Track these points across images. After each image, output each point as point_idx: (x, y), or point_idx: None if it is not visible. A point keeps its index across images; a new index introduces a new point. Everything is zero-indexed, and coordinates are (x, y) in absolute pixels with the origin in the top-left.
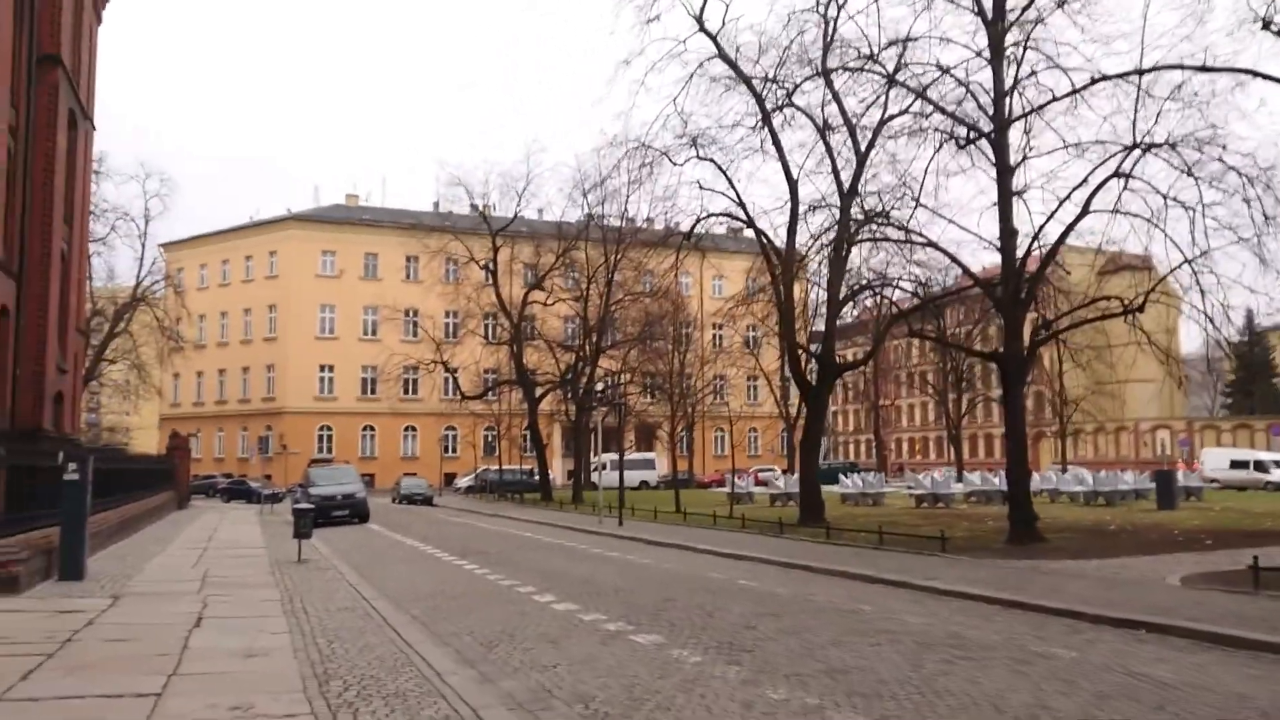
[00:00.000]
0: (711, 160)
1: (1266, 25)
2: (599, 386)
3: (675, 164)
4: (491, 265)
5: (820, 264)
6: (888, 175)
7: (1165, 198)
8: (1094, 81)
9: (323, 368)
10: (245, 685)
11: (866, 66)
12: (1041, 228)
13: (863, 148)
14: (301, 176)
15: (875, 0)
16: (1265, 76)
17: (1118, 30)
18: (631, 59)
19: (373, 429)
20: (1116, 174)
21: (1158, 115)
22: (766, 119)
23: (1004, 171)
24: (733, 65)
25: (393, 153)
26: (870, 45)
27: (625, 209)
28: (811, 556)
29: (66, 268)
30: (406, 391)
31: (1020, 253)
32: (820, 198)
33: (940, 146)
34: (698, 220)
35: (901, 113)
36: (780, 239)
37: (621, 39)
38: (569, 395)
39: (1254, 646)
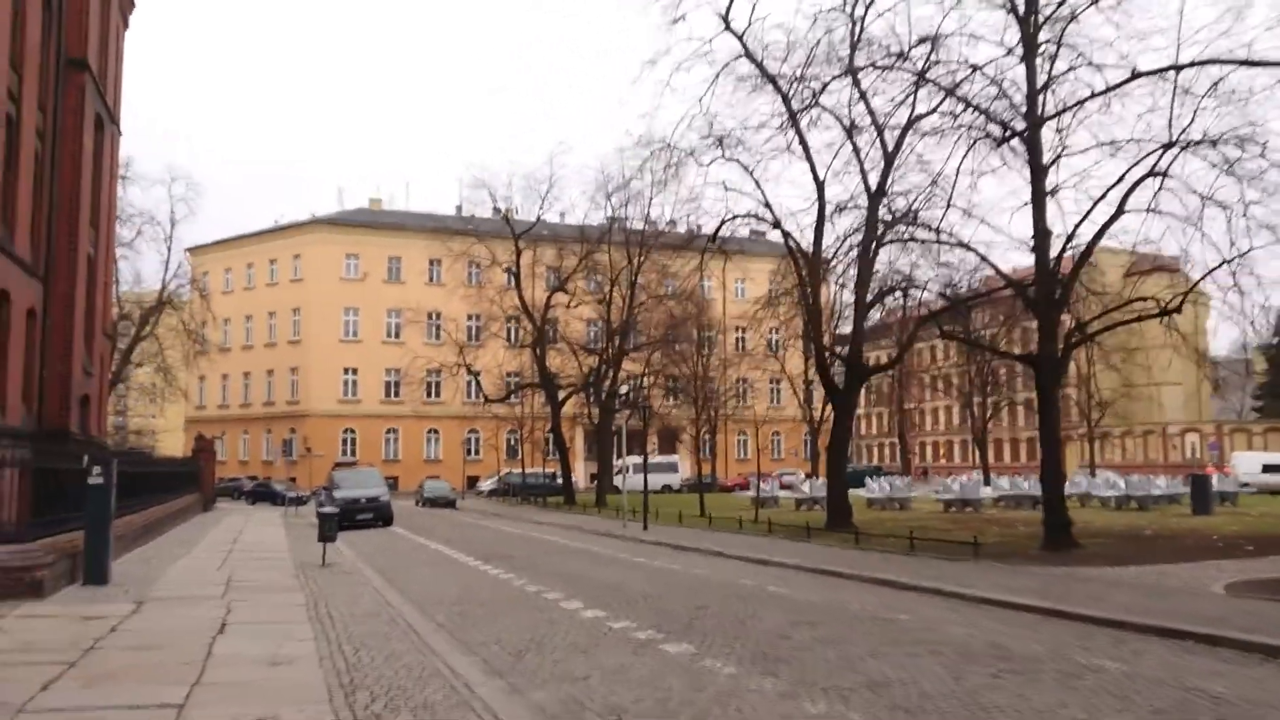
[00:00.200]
0: (737, 161)
1: None
2: (622, 389)
3: (701, 165)
4: (514, 268)
5: (849, 266)
6: (915, 175)
7: (1203, 197)
8: (1133, 77)
9: (346, 370)
10: (270, 696)
11: (896, 64)
12: (1077, 227)
13: (890, 148)
14: (325, 180)
15: None
16: None
17: (1153, 26)
18: (657, 59)
19: (396, 432)
20: (1152, 173)
21: (1194, 113)
22: (793, 119)
23: (1037, 170)
24: (759, 65)
25: (416, 157)
26: (900, 43)
27: (648, 211)
28: (842, 562)
29: (93, 271)
30: (429, 394)
31: (1054, 253)
32: (847, 199)
33: (973, 145)
34: (723, 222)
35: (930, 112)
36: (806, 240)
37: (647, 39)
38: (592, 398)
39: None
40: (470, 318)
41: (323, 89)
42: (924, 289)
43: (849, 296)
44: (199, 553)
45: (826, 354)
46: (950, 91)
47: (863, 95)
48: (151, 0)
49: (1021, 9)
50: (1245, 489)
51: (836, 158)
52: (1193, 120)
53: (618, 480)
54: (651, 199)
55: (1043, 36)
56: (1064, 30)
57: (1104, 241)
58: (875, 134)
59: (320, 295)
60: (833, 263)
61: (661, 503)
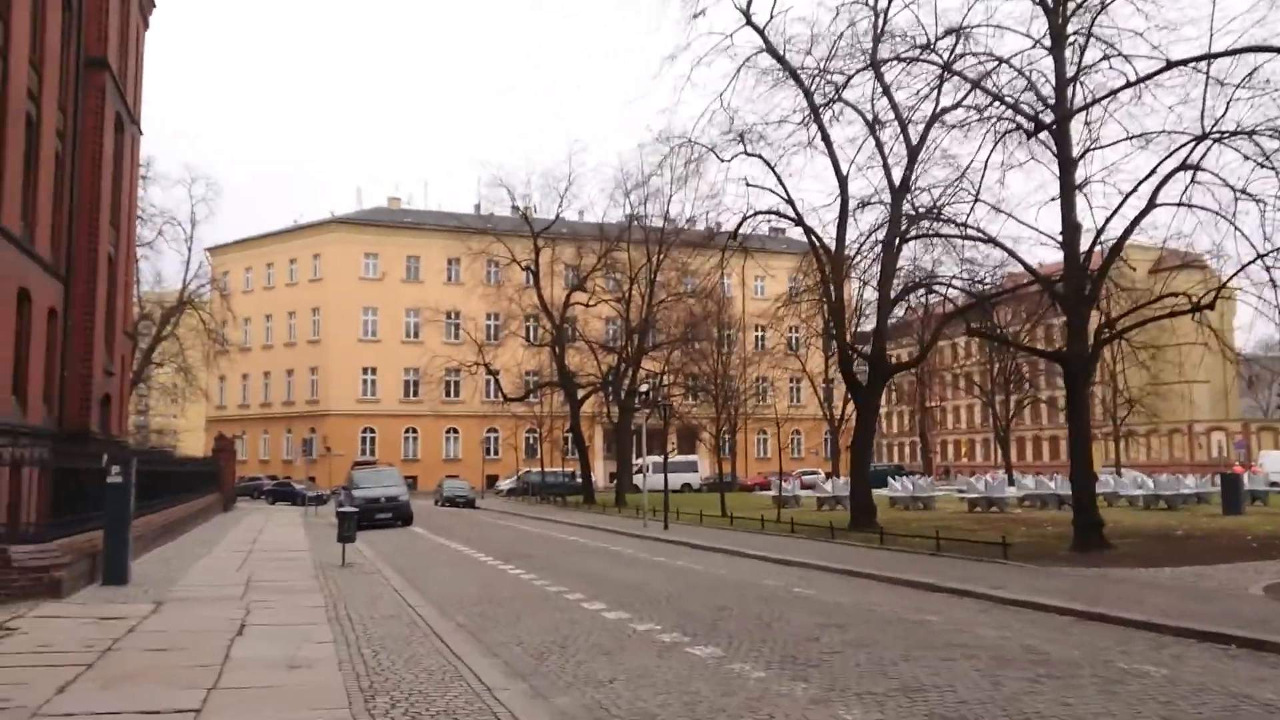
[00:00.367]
0: (759, 156)
1: None
2: (643, 388)
3: (722, 160)
4: (533, 266)
5: (873, 262)
6: (940, 170)
7: (1235, 191)
8: (1167, 67)
9: (365, 370)
10: (288, 701)
11: (921, 56)
12: (1108, 221)
13: (914, 142)
14: (344, 180)
15: None
16: None
17: (1184, 16)
18: (677, 54)
19: (415, 431)
20: (1184, 166)
21: (1228, 104)
22: (815, 114)
23: (1066, 164)
24: (781, 59)
25: (434, 156)
26: (926, 34)
27: (667, 209)
28: (867, 563)
29: (113, 270)
30: (448, 394)
31: (1083, 248)
32: (870, 194)
33: (1000, 138)
34: (744, 218)
35: (955, 105)
36: (828, 237)
37: (667, 34)
38: (611, 397)
39: None
40: (489, 317)
41: (340, 89)
42: (949, 285)
43: (871, 294)
44: (219, 553)
45: (849, 351)
46: (976, 84)
47: (886, 89)
48: (171, 0)
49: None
50: (1274, 488)
51: (859, 153)
52: (1226, 111)
53: (637, 479)
54: (671, 196)
55: (1071, 27)
56: (1094, 21)
57: (1132, 237)
58: (899, 128)
59: (339, 295)
60: (856, 259)
61: (681, 502)
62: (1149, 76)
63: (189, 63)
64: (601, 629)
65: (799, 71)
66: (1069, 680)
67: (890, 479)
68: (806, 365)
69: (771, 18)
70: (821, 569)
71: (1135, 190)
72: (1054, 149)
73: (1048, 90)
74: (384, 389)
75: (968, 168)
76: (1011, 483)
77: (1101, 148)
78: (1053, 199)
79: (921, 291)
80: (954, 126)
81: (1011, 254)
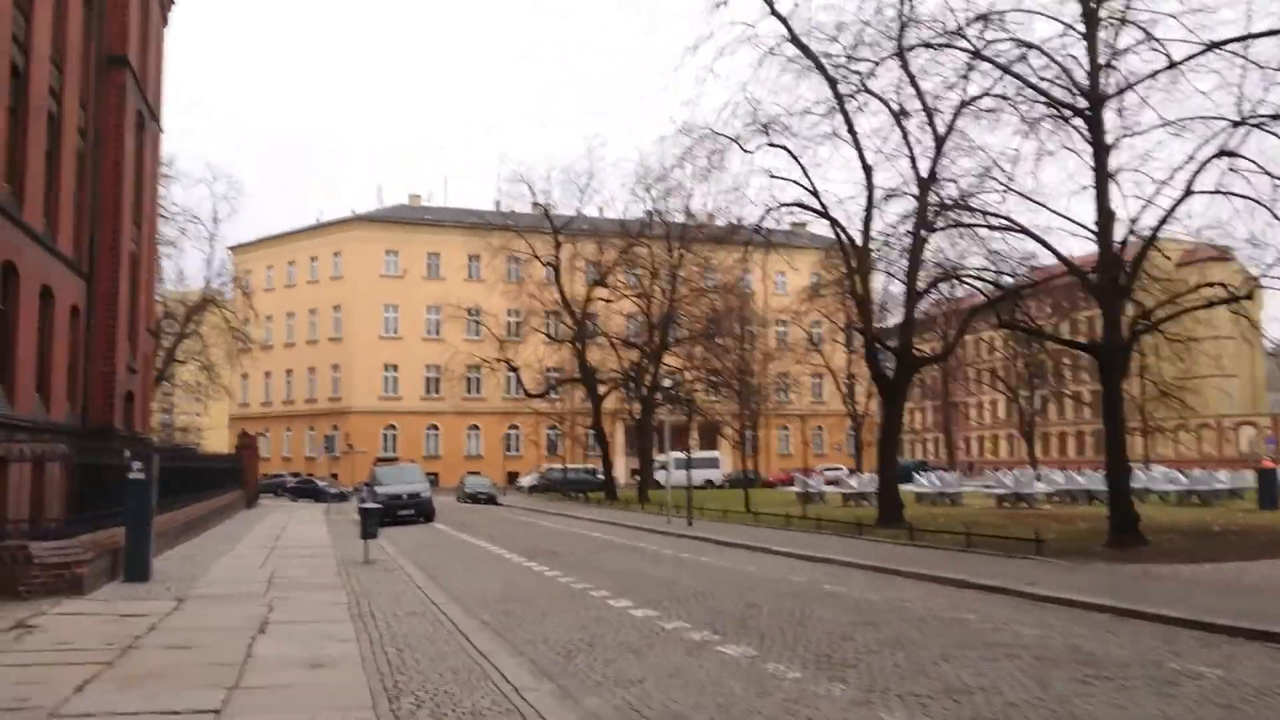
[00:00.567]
0: (784, 148)
1: None
2: (665, 383)
3: (746, 151)
4: (554, 262)
5: (900, 254)
6: (967, 160)
7: (1275, 178)
8: (1209, 48)
9: (387, 367)
10: (310, 701)
11: (951, 41)
12: (1144, 209)
13: (941, 132)
14: (365, 178)
15: None
16: None
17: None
18: (700, 44)
19: (437, 428)
20: (1221, 152)
21: (1267, 88)
22: (840, 104)
23: (1100, 151)
24: (805, 49)
25: (455, 153)
26: (956, 19)
27: (688, 203)
28: (897, 559)
29: (136, 268)
30: (470, 391)
31: (1118, 237)
32: (896, 185)
33: (1033, 126)
34: (768, 211)
35: (984, 94)
36: (853, 229)
37: (689, 25)
38: (632, 393)
39: None
40: (510, 313)
41: (361, 87)
42: (978, 277)
43: (897, 287)
44: (241, 549)
45: (876, 345)
46: (1006, 69)
47: (912, 78)
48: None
49: None
50: None
51: (885, 143)
52: (1265, 95)
53: (659, 476)
54: (692, 190)
55: (1104, 11)
56: (1128, 3)
57: (1164, 227)
58: (925, 118)
59: (361, 292)
60: (882, 251)
61: (704, 498)
62: (1188, 59)
63: (208, 61)
64: (630, 627)
65: (823, 60)
66: (1120, 682)
67: (916, 474)
68: (829, 360)
69: (796, 6)
70: (851, 565)
71: (1171, 178)
72: (1088, 136)
73: (1080, 76)
74: (405, 386)
75: (999, 155)
76: (1039, 478)
77: (1135, 134)
78: (1085, 188)
79: (952, 283)
80: (990, 111)
81: (1045, 244)
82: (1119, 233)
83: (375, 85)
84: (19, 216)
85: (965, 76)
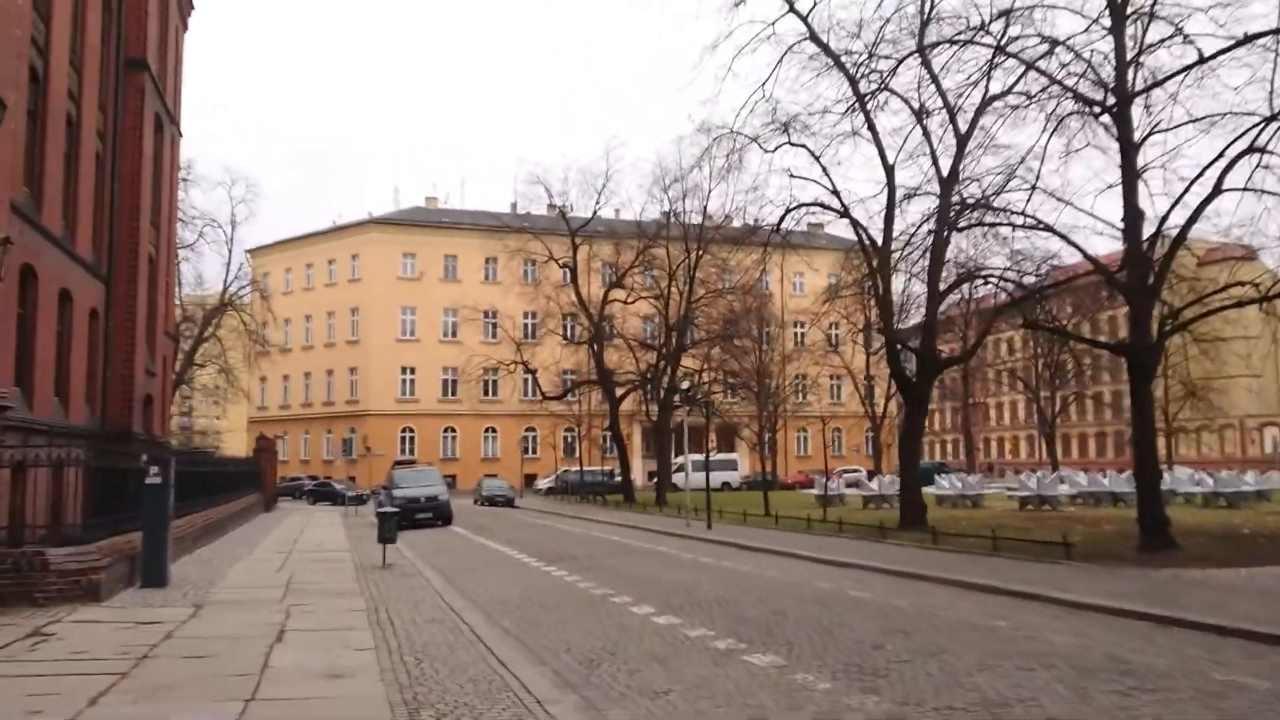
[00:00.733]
0: (804, 147)
1: None
2: (684, 385)
3: (766, 151)
4: (571, 264)
5: (923, 254)
6: (989, 159)
7: None
8: (1242, 42)
9: (404, 370)
10: (328, 715)
11: (975, 37)
12: (1173, 206)
13: (963, 131)
14: (382, 180)
15: None
16: None
17: None
18: (719, 43)
19: (454, 430)
20: (1252, 149)
21: None
22: (861, 102)
23: (1128, 148)
24: (825, 47)
25: (471, 155)
26: (980, 15)
27: (706, 203)
28: (922, 564)
29: (154, 272)
30: (487, 393)
31: (1146, 235)
32: (917, 185)
33: (1059, 124)
34: (787, 210)
35: (1006, 91)
36: (874, 229)
37: (708, 23)
38: (650, 395)
39: None
40: (527, 315)
41: (377, 89)
42: (1001, 277)
43: (918, 287)
44: (259, 554)
45: (898, 346)
46: (1031, 65)
47: (934, 76)
48: (206, 4)
49: None
50: None
51: (906, 141)
52: None
53: (677, 478)
54: (710, 191)
55: (1131, 6)
56: None
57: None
58: (947, 117)
59: (378, 295)
60: (905, 251)
61: (722, 501)
62: (1221, 52)
63: (225, 65)
64: (653, 634)
65: (843, 59)
66: (1164, 694)
67: (936, 476)
68: (848, 362)
69: (815, 4)
70: (875, 570)
71: (1201, 175)
72: (1115, 133)
73: (1106, 72)
74: (423, 388)
75: (1027, 154)
76: (1061, 480)
77: (1164, 131)
78: (1110, 186)
79: (976, 283)
80: (1016, 107)
81: (1073, 244)
82: (1146, 231)
83: (391, 87)
84: (38, 220)
85: (988, 74)
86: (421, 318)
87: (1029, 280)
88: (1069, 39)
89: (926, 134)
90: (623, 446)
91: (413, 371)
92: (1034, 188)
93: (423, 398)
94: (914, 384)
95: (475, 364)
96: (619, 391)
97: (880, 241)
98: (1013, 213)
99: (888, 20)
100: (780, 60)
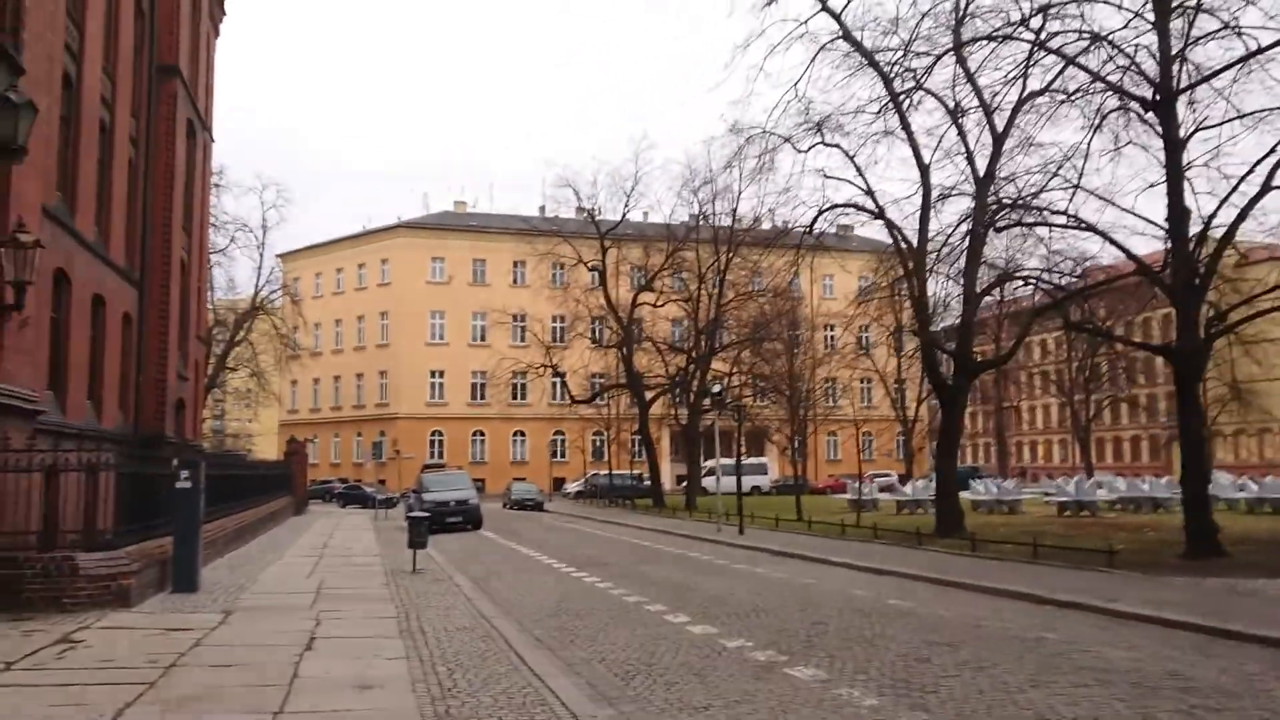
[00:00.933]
0: (838, 147)
1: None
2: (715, 389)
3: (799, 151)
4: (599, 267)
5: (959, 256)
6: (1026, 159)
7: None
8: None
9: (433, 373)
10: None
11: (1013, 33)
12: (1222, 204)
13: (999, 130)
14: (411, 185)
15: None
16: None
17: None
18: (750, 41)
19: (482, 434)
20: None
21: None
22: (895, 102)
23: (1173, 145)
24: (858, 46)
25: (500, 159)
26: (1020, 10)
27: (736, 205)
28: (962, 572)
29: (187, 276)
30: (515, 396)
31: (1192, 234)
32: (953, 185)
33: (1101, 120)
34: (821, 212)
35: (1045, 89)
36: (908, 229)
37: (740, 22)
38: (679, 399)
39: None
40: (555, 319)
41: (407, 94)
42: (1039, 279)
43: (953, 289)
44: (289, 558)
45: (934, 349)
46: (1071, 60)
47: (969, 75)
48: (234, 11)
49: None
50: None
51: (941, 140)
52: None
53: (707, 482)
54: (740, 193)
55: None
56: None
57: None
58: (983, 116)
59: (407, 299)
60: (941, 252)
61: (753, 505)
62: (1274, 45)
63: (257, 71)
64: (689, 645)
65: (877, 57)
66: (1230, 713)
67: (971, 481)
68: (881, 366)
69: (848, 2)
70: (914, 578)
71: (1251, 171)
72: (1159, 130)
73: (1149, 68)
74: (451, 392)
75: (1072, 152)
76: (1099, 485)
77: (1210, 127)
78: (1151, 185)
79: (1016, 285)
80: (1062, 102)
81: (1117, 245)
82: (1191, 230)
83: (421, 91)
84: (71, 224)
85: (1026, 71)
86: (450, 321)
87: (1067, 281)
88: (1110, 34)
89: (962, 133)
90: (651, 450)
91: (441, 375)
92: (1077, 186)
93: (451, 401)
94: (950, 387)
95: (504, 367)
96: (648, 395)
97: (915, 243)
98: (1054, 212)
99: (923, 16)
100: (813, 59)
